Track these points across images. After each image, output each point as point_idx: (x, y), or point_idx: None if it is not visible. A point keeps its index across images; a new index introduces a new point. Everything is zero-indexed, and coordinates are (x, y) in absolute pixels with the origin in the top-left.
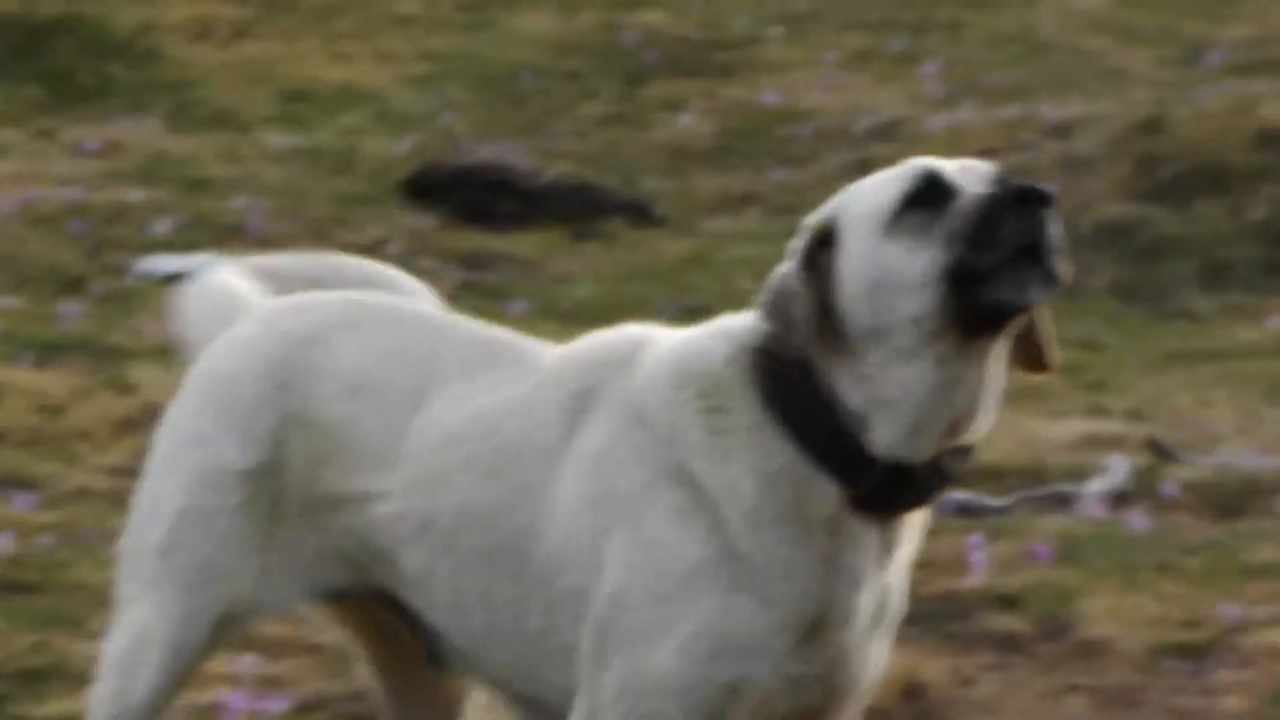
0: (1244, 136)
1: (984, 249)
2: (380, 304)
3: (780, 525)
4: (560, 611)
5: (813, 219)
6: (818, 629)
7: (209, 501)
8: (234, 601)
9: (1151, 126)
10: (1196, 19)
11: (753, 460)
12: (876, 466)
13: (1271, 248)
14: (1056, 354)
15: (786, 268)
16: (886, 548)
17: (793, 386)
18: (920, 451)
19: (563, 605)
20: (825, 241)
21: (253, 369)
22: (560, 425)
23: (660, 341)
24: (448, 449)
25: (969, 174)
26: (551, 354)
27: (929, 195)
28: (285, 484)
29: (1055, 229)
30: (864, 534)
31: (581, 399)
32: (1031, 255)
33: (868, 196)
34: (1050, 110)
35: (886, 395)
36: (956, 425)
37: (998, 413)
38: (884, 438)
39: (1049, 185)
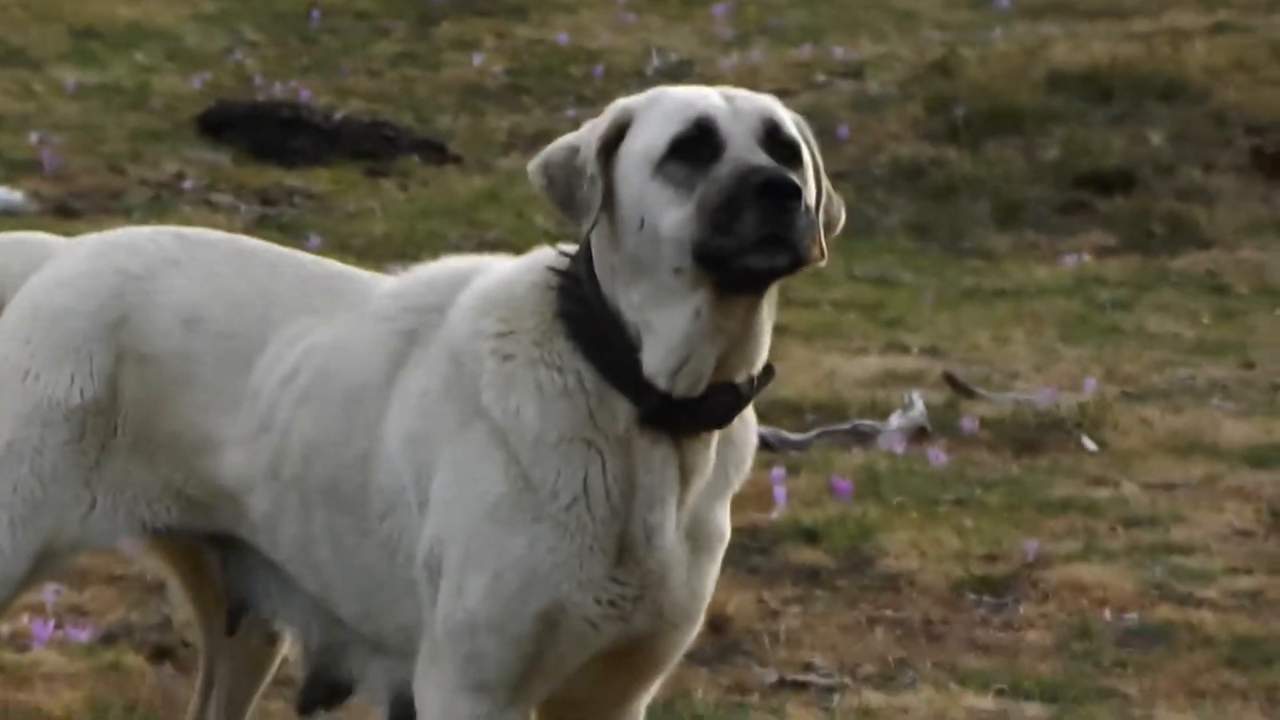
0: (1034, 78)
1: (728, 234)
2: (211, 238)
3: (568, 447)
4: (394, 548)
5: (618, 104)
6: (625, 549)
7: (36, 436)
8: (57, 536)
9: (943, 68)
10: None
11: (535, 380)
12: (653, 391)
13: (1063, 188)
14: (825, 248)
15: (580, 142)
16: (685, 470)
17: (585, 303)
18: (685, 388)
19: (395, 541)
20: (621, 133)
21: (83, 306)
22: (388, 361)
23: (486, 274)
24: (287, 386)
25: (741, 122)
26: (384, 287)
27: (696, 145)
28: (118, 421)
29: (801, 219)
30: (657, 453)
31: (407, 337)
32: (775, 240)
33: (652, 123)
34: (842, 51)
35: (653, 326)
36: (725, 365)
37: (785, 349)
38: (651, 365)
39: (791, 177)
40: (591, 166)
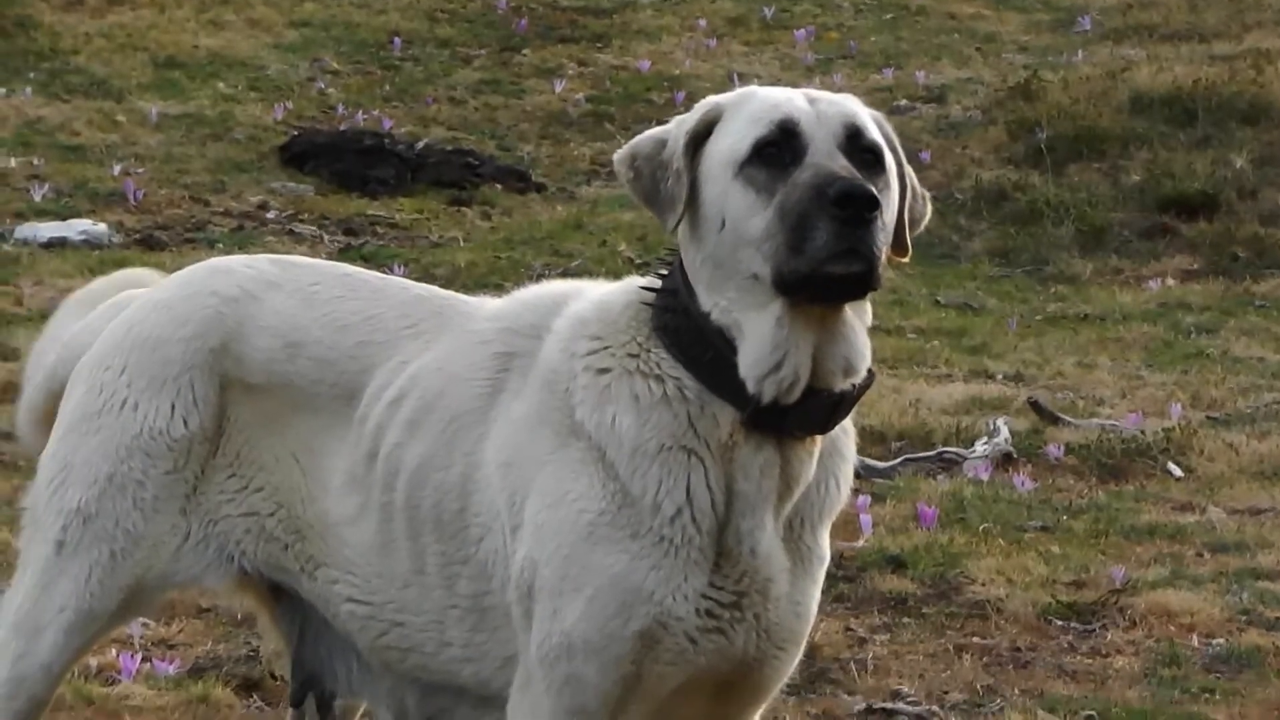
0: (1117, 102)
1: (802, 253)
2: (309, 263)
3: (668, 455)
4: (491, 573)
5: (709, 100)
6: (722, 555)
7: (139, 468)
8: (149, 570)
9: (1025, 92)
10: None
11: (631, 390)
12: (751, 398)
13: (1148, 212)
14: (909, 244)
15: (668, 136)
16: (788, 478)
17: (684, 312)
18: (781, 392)
19: (492, 567)
20: (709, 129)
21: (180, 332)
22: (486, 385)
23: (583, 298)
24: (394, 412)
25: (824, 126)
26: (484, 311)
27: (779, 149)
28: (220, 445)
29: (878, 231)
30: (759, 459)
31: (505, 360)
32: (851, 254)
33: (738, 123)
34: (923, 76)
35: (743, 329)
36: (821, 370)
37: (874, 364)
38: (745, 368)
39: (869, 188)
40: (678, 161)
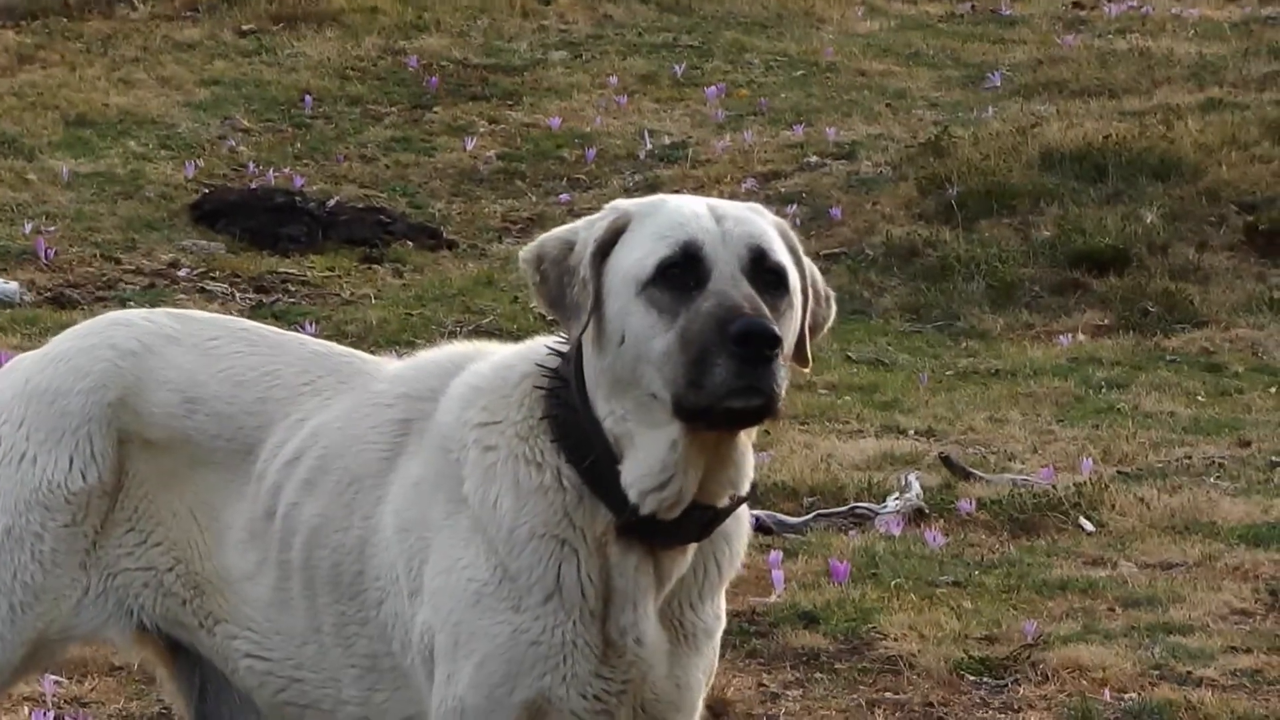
0: (1028, 158)
1: (703, 387)
2: (209, 317)
3: (539, 542)
4: (390, 635)
5: (618, 207)
6: (610, 646)
7: (37, 521)
8: (51, 623)
9: (936, 148)
10: (978, 42)
11: (514, 474)
12: (630, 508)
13: (1058, 268)
14: (809, 356)
15: (576, 239)
16: (660, 575)
17: (571, 408)
18: (663, 509)
19: (391, 630)
20: (617, 237)
21: (78, 384)
22: (386, 449)
23: (484, 360)
24: (291, 470)
25: (729, 248)
26: (384, 373)
27: (682, 271)
28: (119, 499)
29: (777, 368)
30: (630, 559)
31: (404, 424)
32: (750, 390)
33: (643, 238)
34: (834, 132)
35: (634, 443)
36: (705, 490)
37: (781, 432)
38: (629, 479)
39: (771, 327)
40: (585, 269)
